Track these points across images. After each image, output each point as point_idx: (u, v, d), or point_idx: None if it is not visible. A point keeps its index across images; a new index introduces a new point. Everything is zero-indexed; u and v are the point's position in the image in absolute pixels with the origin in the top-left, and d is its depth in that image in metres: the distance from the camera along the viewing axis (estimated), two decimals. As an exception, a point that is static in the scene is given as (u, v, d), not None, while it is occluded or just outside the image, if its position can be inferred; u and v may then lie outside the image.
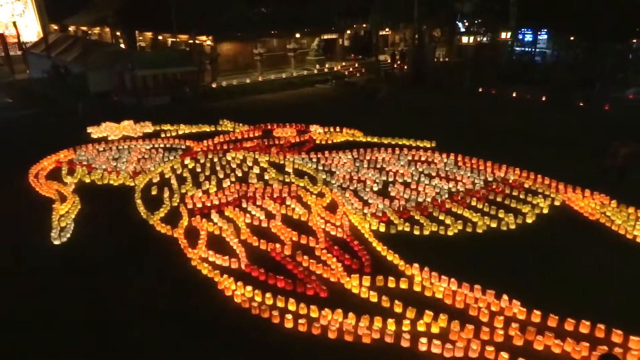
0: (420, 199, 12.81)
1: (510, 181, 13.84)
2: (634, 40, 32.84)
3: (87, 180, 14.45)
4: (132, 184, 14.04)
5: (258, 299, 8.78)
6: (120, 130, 18.88)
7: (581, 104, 23.93)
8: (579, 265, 9.95)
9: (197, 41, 28.78)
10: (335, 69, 32.82)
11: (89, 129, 18.91)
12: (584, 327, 7.90)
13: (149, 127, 19.40)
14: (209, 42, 28.99)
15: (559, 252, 10.48)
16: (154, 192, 13.45)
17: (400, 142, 17.38)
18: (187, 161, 15.56)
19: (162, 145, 17.28)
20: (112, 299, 8.95)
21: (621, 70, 29.76)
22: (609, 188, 12.92)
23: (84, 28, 41.55)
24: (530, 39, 42.17)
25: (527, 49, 42.06)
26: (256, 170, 14.88)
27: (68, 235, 11.22)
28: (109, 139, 18.20)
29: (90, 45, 30.84)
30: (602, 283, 9.30)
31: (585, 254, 10.38)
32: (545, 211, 12.29)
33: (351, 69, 33.54)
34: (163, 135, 18.65)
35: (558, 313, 8.10)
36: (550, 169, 14.24)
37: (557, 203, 12.69)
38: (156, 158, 15.91)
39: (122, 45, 34.65)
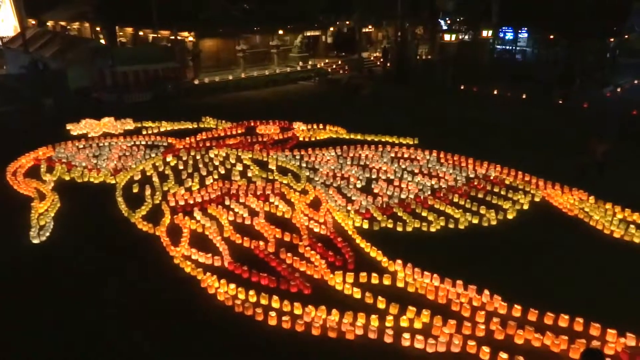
0: (403, 196, 12.89)
1: (492, 178, 14.01)
2: (612, 39, 33.41)
3: (67, 178, 14.22)
4: (113, 182, 13.87)
5: (241, 296, 8.76)
6: (101, 127, 18.61)
7: (560, 102, 24.31)
8: (558, 260, 10.13)
9: (178, 37, 28.48)
10: (318, 66, 32.80)
11: (68, 126, 18.60)
12: (563, 321, 8.05)
13: (130, 124, 19.15)
14: (190, 38, 28.72)
15: (538, 247, 10.65)
16: (135, 190, 13.30)
17: (383, 139, 17.46)
18: (169, 158, 15.41)
19: (143, 143, 17.09)
20: (92, 298, 8.84)
21: (599, 68, 30.29)
22: (588, 184, 13.16)
23: (63, 23, 40.79)
24: (511, 37, 42.64)
25: (507, 47, 42.51)
26: (239, 167, 14.82)
27: (47, 234, 11.04)
28: (89, 136, 17.93)
29: (69, 41, 30.30)
30: (580, 278, 9.48)
31: (564, 249, 10.57)
32: (526, 207, 12.48)
33: (334, 66, 33.56)
34: (144, 132, 18.44)
35: (538, 307, 8.24)
36: (530, 165, 14.45)
37: (537, 199, 12.88)
38: (137, 155, 15.72)
39: (102, 41, 34.10)
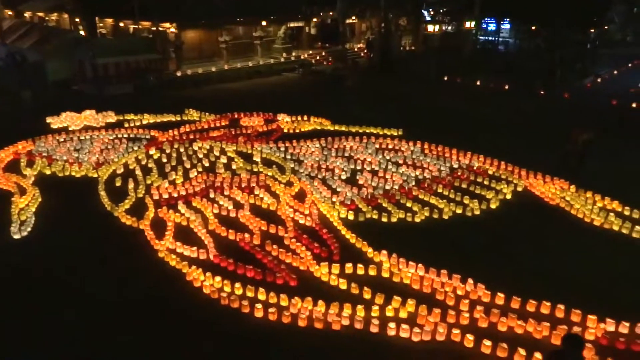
0: (387, 187, 12.95)
1: (475, 168, 14.15)
2: (591, 30, 33.81)
3: (48, 172, 14.00)
4: (95, 176, 13.69)
5: (227, 289, 8.74)
6: (82, 120, 18.33)
7: (542, 92, 24.58)
8: (540, 248, 10.30)
9: (160, 28, 28.08)
10: (302, 58, 32.65)
11: (48, 119, 18.29)
12: (545, 308, 8.20)
13: (111, 117, 18.89)
14: (172, 30, 28.35)
15: (521, 236, 10.81)
16: (118, 184, 13.15)
17: (367, 131, 17.49)
18: (152, 151, 15.25)
19: (125, 136, 16.88)
20: (75, 293, 8.75)
21: (580, 59, 30.64)
22: (569, 173, 13.37)
23: (41, 14, 39.91)
24: (494, 28, 42.87)
25: (490, 38, 42.75)
26: (223, 160, 14.73)
27: (29, 229, 10.88)
28: (70, 129, 17.65)
29: (48, 32, 29.74)
30: (561, 265, 9.65)
31: (545, 238, 10.74)
32: (509, 197, 12.63)
33: (318, 58, 33.44)
34: (126, 125, 18.21)
35: (520, 295, 8.37)
36: (512, 155, 14.62)
37: (519, 189, 13.05)
38: (120, 148, 15.53)
39: (82, 32, 33.47)
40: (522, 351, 7.20)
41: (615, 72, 30.29)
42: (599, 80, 28.32)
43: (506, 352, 7.28)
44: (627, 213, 11.61)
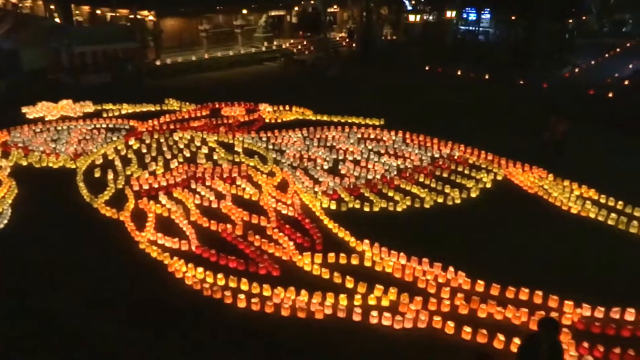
0: (369, 176, 13.00)
1: (456, 157, 14.28)
2: (570, 21, 34.19)
3: (24, 163, 13.71)
4: (73, 167, 13.46)
5: (210, 280, 8.72)
6: (59, 110, 17.95)
7: (521, 82, 24.86)
8: (519, 236, 10.47)
9: (138, 16, 27.56)
10: (283, 47, 32.39)
11: (24, 109, 17.87)
12: (523, 294, 8.36)
13: (89, 107, 18.55)
14: (151, 18, 27.84)
15: (501, 224, 10.98)
16: (97, 175, 12.96)
17: (349, 120, 17.49)
18: (131, 142, 15.04)
19: (104, 126, 16.60)
20: (56, 285, 8.63)
21: (558, 49, 31.01)
22: (548, 162, 13.59)
23: (14, 0, 38.82)
24: (474, 18, 43.06)
25: (471, 28, 42.95)
26: (205, 150, 14.60)
27: (5, 221, 10.67)
28: (46, 119, 17.28)
29: (22, 20, 28.94)
30: (540, 252, 9.84)
31: (524, 226, 10.93)
32: (489, 186, 12.80)
33: (300, 47, 33.22)
34: (105, 115, 17.89)
35: (500, 282, 8.52)
36: (492, 144, 14.78)
37: (499, 178, 13.23)
38: (98, 139, 15.28)
39: (57, 20, 32.67)
40: (501, 337, 7.36)
41: (593, 62, 30.75)
42: (576, 70, 28.73)
43: (486, 338, 7.42)
44: (603, 201, 11.86)
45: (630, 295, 8.42)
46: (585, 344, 7.24)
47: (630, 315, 7.91)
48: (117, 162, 13.58)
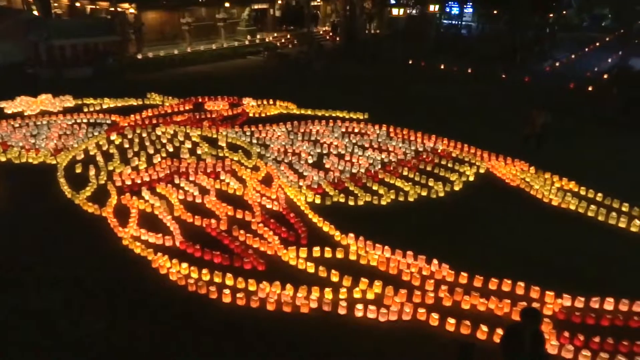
0: (354, 170, 13.04)
1: (439, 151, 14.38)
2: (550, 15, 34.60)
3: (3, 159, 13.46)
4: (54, 162, 13.25)
5: (195, 275, 8.68)
6: (38, 105, 17.63)
7: (503, 76, 25.10)
8: (502, 228, 10.61)
9: (118, 9, 27.13)
10: (267, 40, 32.22)
11: (2, 104, 17.50)
12: (506, 286, 8.48)
13: (69, 101, 18.24)
14: (131, 10, 27.43)
15: (484, 216, 11.10)
16: (78, 170, 12.77)
17: (333, 114, 17.49)
18: (113, 137, 14.85)
19: (85, 120, 16.35)
20: (37, 282, 8.51)
21: (539, 43, 31.38)
22: (528, 155, 13.77)
23: (-10, -7, 37.91)
24: (457, 12, 43.33)
25: (454, 22, 43.21)
26: (188, 145, 14.48)
27: (-16, 219, 10.49)
28: (25, 114, 16.94)
29: (-2, 12, 28.27)
30: (522, 244, 9.98)
31: (507, 218, 11.07)
32: (472, 179, 12.93)
33: (283, 41, 33.07)
34: (86, 109, 17.62)
35: (483, 274, 8.63)
36: (475, 138, 14.93)
37: (482, 171, 13.37)
38: (79, 134, 15.05)
39: (35, 12, 32.01)
40: (484, 327, 7.46)
41: (573, 56, 31.17)
42: (557, 64, 29.10)
43: (469, 329, 7.52)
44: (583, 193, 12.06)
45: (610, 284, 8.60)
46: (566, 334, 7.38)
47: (609, 304, 8.08)
48: (99, 158, 13.41)
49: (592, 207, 11.25)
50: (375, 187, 12.17)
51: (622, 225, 10.76)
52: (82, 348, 7.20)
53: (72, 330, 7.50)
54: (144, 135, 15.07)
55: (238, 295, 8.15)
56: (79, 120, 16.29)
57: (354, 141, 15.00)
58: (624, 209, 11.30)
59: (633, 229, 10.63)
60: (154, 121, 16.26)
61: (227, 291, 8.20)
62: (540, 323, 5.73)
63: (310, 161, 13.62)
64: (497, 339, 7.12)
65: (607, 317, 7.81)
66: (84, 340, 7.33)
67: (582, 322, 7.77)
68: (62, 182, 12.07)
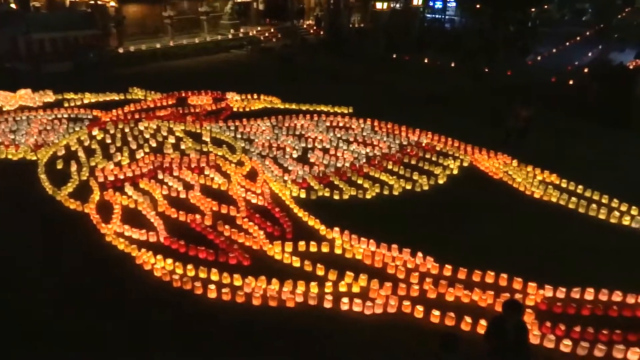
0: (339, 164, 13.06)
1: (424, 144, 14.47)
2: (532, 9, 34.92)
3: (-19, 156, 13.21)
4: (34, 158, 13.03)
5: (179, 271, 8.63)
6: (17, 100, 17.27)
7: (486, 70, 25.30)
8: (485, 221, 10.73)
9: (99, 2, 26.69)
10: (250, 34, 32.01)
11: (-21, 99, 17.14)
12: (489, 278, 8.59)
13: (49, 96, 17.93)
14: (112, 3, 27.01)
15: (467, 209, 11.22)
16: (59, 166, 12.58)
17: (318, 109, 17.47)
18: (95, 132, 14.64)
19: (65, 116, 16.09)
20: (19, 282, 8.38)
21: (521, 38, 31.64)
22: (511, 148, 13.93)
23: (-35, -15, 36.98)
24: (440, 6, 43.49)
25: (437, 16, 43.38)
26: (172, 140, 14.35)
27: (-38, 216, 10.28)
28: (4, 109, 16.61)
29: (-26, 5, 27.60)
30: (505, 236, 10.12)
31: (490, 211, 11.20)
32: (455, 172, 13.04)
33: (267, 34, 32.88)
34: (66, 104, 17.33)
35: (467, 266, 8.73)
36: (459, 131, 15.05)
37: (465, 164, 13.49)
38: (60, 129, 14.81)
39: (13, 5, 31.32)
40: (468, 319, 7.56)
41: (554, 50, 31.52)
42: (539, 58, 29.41)
43: (454, 320, 7.61)
44: (564, 185, 12.25)
45: (590, 275, 8.76)
46: (548, 324, 7.51)
47: (589, 295, 8.24)
48: (81, 153, 13.22)
49: (573, 199, 11.44)
50: (360, 181, 12.21)
51: (602, 217, 10.96)
52: (65, 344, 7.13)
53: (55, 327, 7.42)
54: (127, 130, 14.89)
55: (223, 290, 8.13)
56: (59, 116, 16.02)
57: (338, 135, 15.01)
58: (604, 200, 11.51)
59: (613, 221, 10.84)
60: (137, 116, 16.07)
61: (212, 286, 8.18)
62: (522, 314, 5.82)
63: (295, 155, 13.60)
64: (481, 330, 7.23)
65: (588, 307, 7.96)
66: (67, 337, 7.25)
67: (563, 312, 7.92)
68: (43, 178, 11.88)
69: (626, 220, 10.78)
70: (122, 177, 11.95)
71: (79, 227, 10.01)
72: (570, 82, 22.48)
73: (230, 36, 30.82)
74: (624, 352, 7.11)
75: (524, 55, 29.36)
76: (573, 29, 38.81)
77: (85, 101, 17.88)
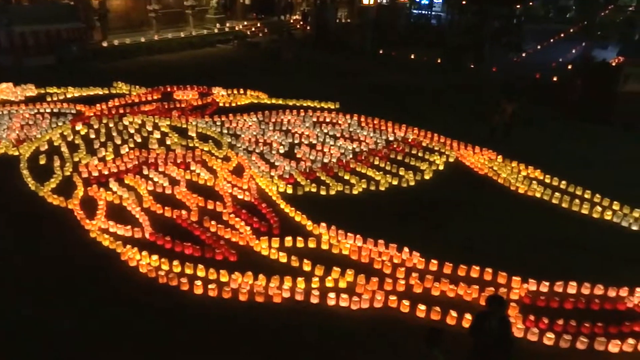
0: (325, 160, 13.06)
1: (410, 140, 14.53)
2: (517, 6, 35.17)
3: (-39, 151, 12.96)
4: (16, 154, 12.82)
5: (165, 267, 8.58)
6: (-2, 94, 16.99)
7: (472, 66, 25.45)
8: (470, 216, 10.84)
9: (82, -6, 26.26)
10: (236, 29, 31.78)
11: (-41, 93, 16.81)
12: (474, 272, 8.68)
13: (31, 90, 17.63)
14: (96, -4, 26.61)
15: (453, 205, 11.31)
16: (42, 162, 12.40)
17: (304, 104, 17.44)
18: (78, 127, 14.44)
19: (48, 110, 15.84)
20: (3, 277, 8.27)
21: (506, 34, 31.88)
22: (496, 144, 14.06)
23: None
24: (427, 2, 43.59)
25: (423, 12, 43.46)
26: (157, 135, 14.22)
27: (-58, 213, 10.09)
28: (-15, 103, 16.32)
29: (-47, -3, 26.97)
30: (490, 231, 10.22)
31: (475, 206, 11.31)
32: (441, 168, 13.13)
33: (253, 29, 32.67)
34: (49, 99, 17.06)
35: (452, 261, 8.80)
36: (445, 127, 15.14)
37: (451, 160, 13.58)
38: (43, 124, 14.58)
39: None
40: (453, 313, 7.63)
41: (539, 47, 31.81)
42: (523, 54, 29.65)
43: (439, 315, 7.68)
44: (548, 181, 12.41)
45: (573, 269, 8.90)
46: (532, 317, 7.62)
47: (572, 288, 8.37)
48: (64, 148, 13.03)
49: (557, 194, 11.59)
50: (346, 177, 12.23)
51: (584, 211, 11.12)
52: (48, 343, 7.05)
53: (38, 327, 7.33)
54: (111, 125, 14.71)
55: (210, 286, 8.10)
56: (42, 110, 15.76)
57: (325, 131, 15.01)
58: (586, 196, 11.68)
59: (595, 216, 11.01)
60: (121, 111, 15.88)
61: (198, 282, 8.14)
62: (506, 309, 5.90)
63: (281, 151, 13.57)
64: (466, 324, 7.30)
65: (570, 300, 8.09)
66: (50, 336, 7.17)
67: (546, 305, 8.03)
68: (25, 174, 11.70)
69: (608, 215, 10.96)
70: (106, 172, 11.82)
71: (63, 223, 9.90)
72: (555, 79, 22.70)
73: (216, 30, 30.56)
74: (605, 345, 7.25)
75: (509, 52, 29.55)
76: (557, 26, 39.19)
77: (69, 95, 17.62)
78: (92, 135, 13.97)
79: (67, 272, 8.53)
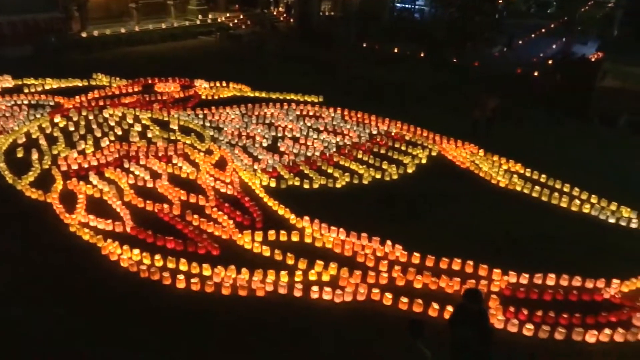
0: (309, 154, 13.04)
1: (393, 134, 14.59)
2: (500, 1, 35.40)
3: None
4: (-7, 146, 12.56)
5: (147, 261, 8.49)
6: (-27, 85, 16.57)
7: (454, 60, 25.60)
8: (452, 209, 10.94)
9: (60, -16, 25.69)
10: (219, 20, 31.43)
11: None
12: (456, 265, 8.78)
13: (8, 82, 17.22)
14: (75, -14, 26.05)
15: (435, 198, 11.39)
16: (20, 155, 12.15)
17: (288, 97, 17.37)
18: (57, 119, 14.18)
19: (26, 102, 15.51)
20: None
21: (488, 29, 32.09)
22: (478, 138, 14.20)
23: None
24: (410, -4, 43.63)
25: (407, 6, 43.51)
26: (138, 128, 14.03)
27: None
28: (-41, 95, 15.91)
29: None
30: (471, 223, 10.34)
31: (457, 199, 11.41)
32: (424, 161, 13.21)
33: (236, 21, 32.35)
34: (26, 90, 16.70)
35: (434, 254, 8.89)
36: (427, 121, 15.23)
37: (433, 153, 13.67)
38: (20, 116, 14.26)
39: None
40: (435, 305, 7.72)
41: (520, 42, 32.12)
42: (505, 49, 29.91)
43: (421, 307, 7.76)
44: (528, 174, 12.58)
45: (552, 261, 9.06)
46: (512, 309, 7.74)
47: (550, 280, 8.52)
48: (42, 141, 12.79)
49: (537, 188, 11.76)
50: (330, 170, 12.23)
51: (563, 205, 11.32)
52: (29, 340, 6.94)
53: (18, 323, 7.21)
54: (91, 117, 14.47)
55: (192, 280, 8.06)
56: (19, 102, 15.42)
57: (308, 124, 14.98)
58: (565, 189, 11.88)
59: (573, 209, 11.21)
60: (101, 103, 15.62)
61: (181, 277, 8.09)
62: (482, 302, 6.01)
63: (264, 144, 13.51)
64: (447, 316, 7.38)
65: (549, 292, 8.24)
66: (31, 333, 7.06)
67: (526, 297, 8.17)
68: (2, 167, 11.46)
69: (586, 208, 11.17)
70: (86, 165, 11.64)
71: (41, 218, 9.73)
72: (535, 74, 22.98)
73: (198, 22, 30.18)
74: (582, 335, 7.41)
75: (491, 47, 29.78)
76: (538, 21, 39.59)
77: (47, 87, 17.26)
78: (72, 128, 13.73)
79: (46, 268, 8.39)
